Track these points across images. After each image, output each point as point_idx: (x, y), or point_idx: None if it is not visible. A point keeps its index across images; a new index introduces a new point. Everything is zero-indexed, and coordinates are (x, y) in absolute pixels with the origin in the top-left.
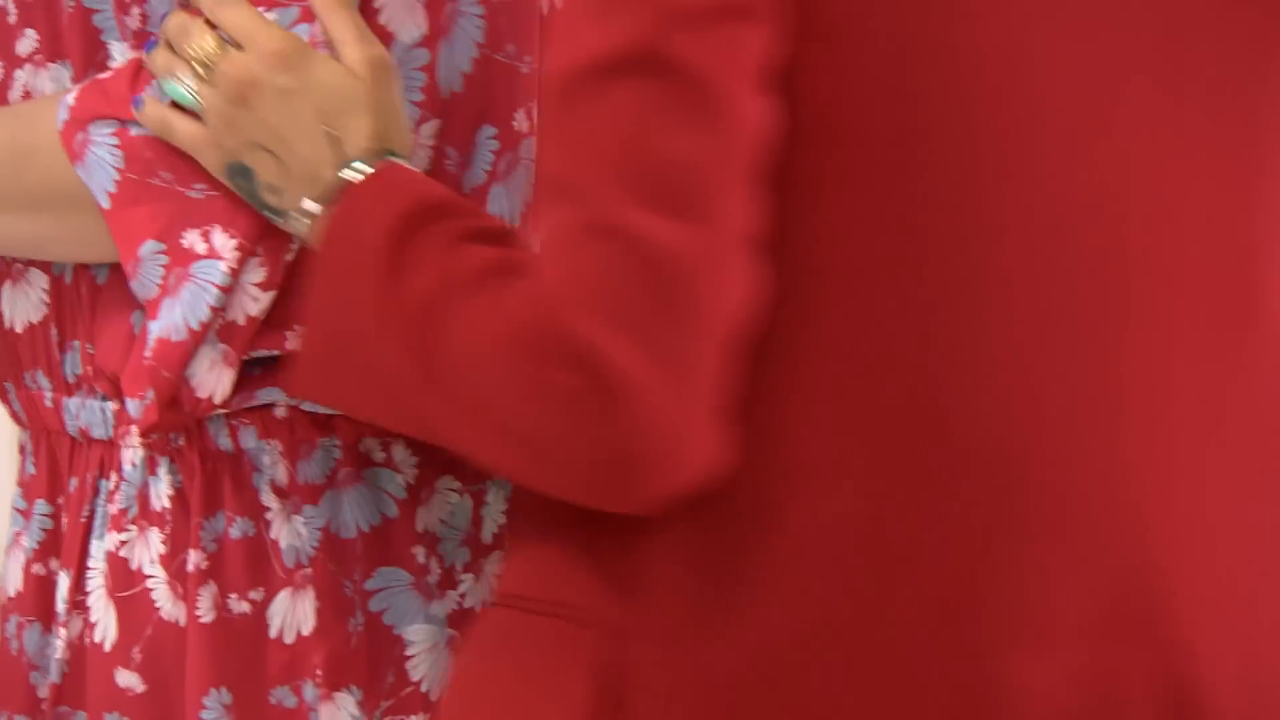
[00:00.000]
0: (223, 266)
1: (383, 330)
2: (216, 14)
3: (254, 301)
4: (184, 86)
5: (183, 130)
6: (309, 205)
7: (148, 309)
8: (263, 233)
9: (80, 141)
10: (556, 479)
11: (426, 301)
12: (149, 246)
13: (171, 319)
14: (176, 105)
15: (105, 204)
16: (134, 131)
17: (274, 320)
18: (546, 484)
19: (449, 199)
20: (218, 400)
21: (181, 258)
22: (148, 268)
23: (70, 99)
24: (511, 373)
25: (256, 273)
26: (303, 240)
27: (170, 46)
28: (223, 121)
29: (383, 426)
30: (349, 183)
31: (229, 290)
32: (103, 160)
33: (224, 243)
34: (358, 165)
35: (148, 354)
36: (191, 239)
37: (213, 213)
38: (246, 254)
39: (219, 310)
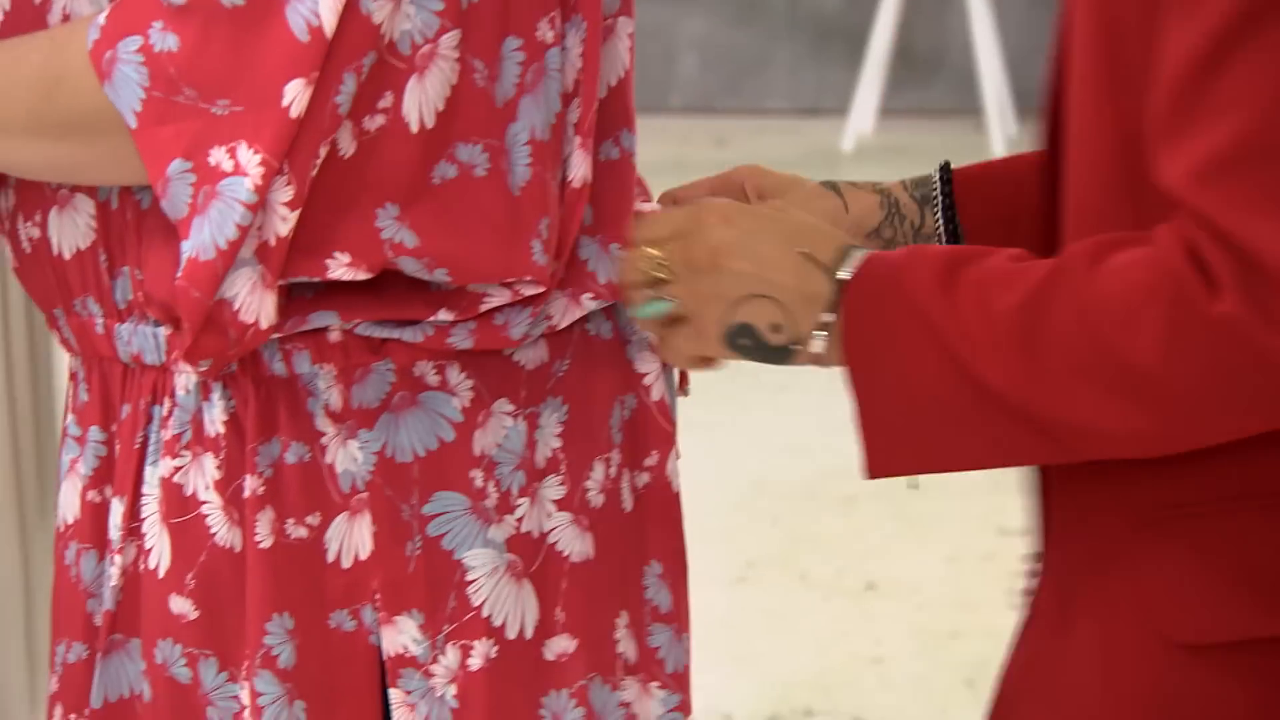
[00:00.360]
0: (248, 183)
1: (975, 364)
2: (650, 233)
3: (283, 222)
4: (657, 300)
5: (685, 335)
6: (825, 317)
7: (179, 229)
8: (288, 148)
9: (109, 60)
10: (1249, 415)
11: (1024, 309)
12: (176, 165)
13: (200, 238)
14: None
15: (132, 123)
16: (158, 46)
17: (312, 246)
18: (1235, 423)
19: (951, 248)
20: (264, 325)
21: (209, 175)
22: (176, 187)
23: (101, 19)
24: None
25: (284, 191)
26: (819, 354)
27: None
28: (707, 296)
29: (986, 466)
30: (851, 279)
31: (255, 208)
32: (129, 78)
33: (249, 158)
34: (847, 264)
35: (179, 274)
36: (218, 156)
37: (238, 128)
38: (272, 170)
39: (247, 228)
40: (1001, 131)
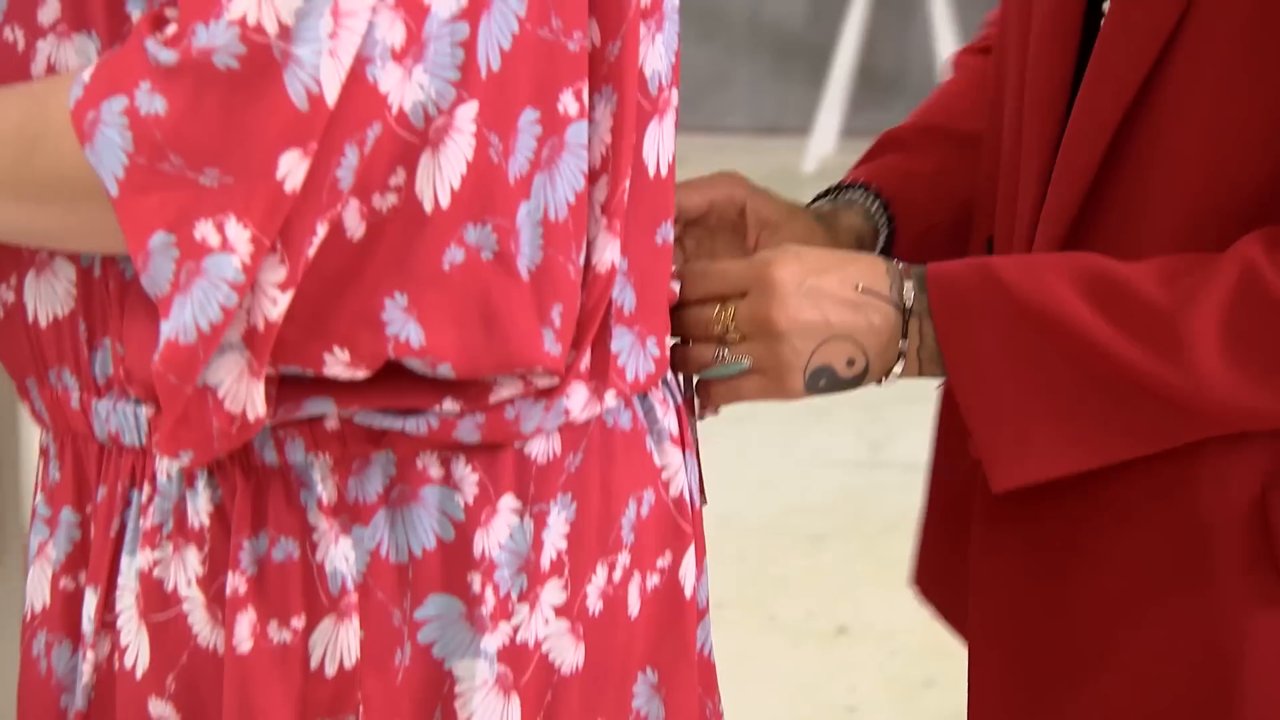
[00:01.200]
0: (235, 261)
1: (1134, 361)
2: (710, 290)
3: (273, 305)
4: (730, 359)
5: (753, 388)
6: (901, 345)
7: (160, 307)
8: (281, 224)
9: (91, 121)
10: None
11: (1174, 305)
12: (159, 238)
13: (181, 319)
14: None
15: (114, 191)
16: (144, 109)
17: (310, 336)
18: None
19: (1031, 257)
20: (251, 418)
21: (193, 251)
22: (158, 262)
23: (86, 75)
24: None
25: (276, 271)
26: (894, 374)
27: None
28: (783, 350)
29: (1114, 458)
30: (932, 303)
31: (243, 288)
32: (112, 142)
33: (238, 234)
34: (905, 290)
35: (155, 358)
36: (204, 230)
37: (227, 201)
38: (262, 248)
39: (232, 310)
40: None
